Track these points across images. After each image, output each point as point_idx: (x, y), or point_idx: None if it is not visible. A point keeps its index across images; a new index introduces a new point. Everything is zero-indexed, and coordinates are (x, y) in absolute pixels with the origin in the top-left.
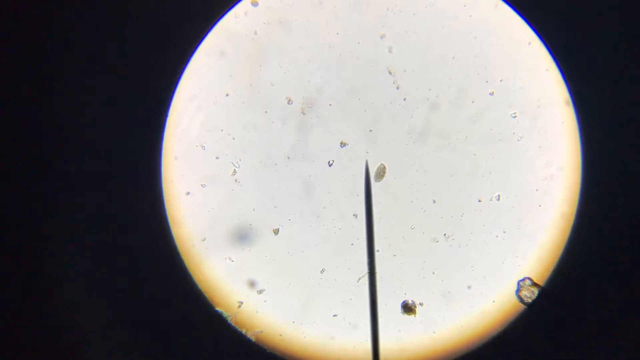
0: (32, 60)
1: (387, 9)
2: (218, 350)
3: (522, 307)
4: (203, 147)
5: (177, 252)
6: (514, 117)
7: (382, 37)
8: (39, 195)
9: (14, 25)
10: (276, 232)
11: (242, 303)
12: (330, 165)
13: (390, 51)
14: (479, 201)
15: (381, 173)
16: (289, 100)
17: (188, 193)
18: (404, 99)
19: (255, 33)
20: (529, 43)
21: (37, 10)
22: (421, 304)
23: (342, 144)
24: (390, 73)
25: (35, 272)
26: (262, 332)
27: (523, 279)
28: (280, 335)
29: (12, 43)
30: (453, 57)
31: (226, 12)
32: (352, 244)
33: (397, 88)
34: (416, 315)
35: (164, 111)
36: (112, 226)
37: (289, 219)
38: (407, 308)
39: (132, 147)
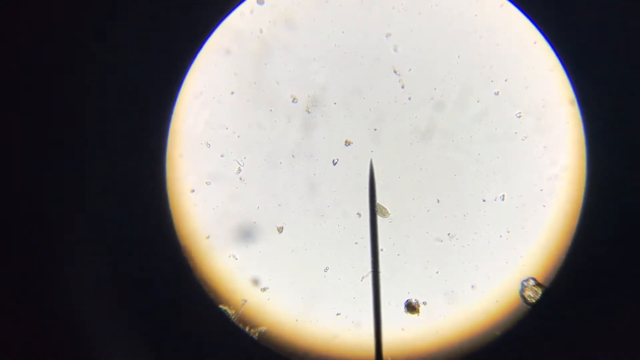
0: (36, 58)
1: (393, 8)
2: (221, 348)
3: (525, 307)
4: (208, 145)
5: (181, 249)
6: (519, 116)
7: (388, 36)
8: (41, 193)
9: (19, 19)
10: (280, 230)
11: (245, 301)
12: (334, 164)
13: (395, 50)
14: (483, 201)
15: (382, 210)
16: (294, 99)
17: (192, 190)
18: (409, 98)
19: (261, 31)
20: (535, 42)
21: (43, 5)
22: (424, 303)
23: (347, 143)
24: (395, 72)
25: (38, 269)
26: (265, 330)
27: (527, 279)
28: (284, 333)
29: (17, 37)
30: (458, 57)
31: (232, 10)
32: (355, 243)
33: (402, 87)
34: (419, 314)
35: (169, 108)
36: (116, 223)
37: (293, 217)
38: (411, 307)
39: (136, 144)
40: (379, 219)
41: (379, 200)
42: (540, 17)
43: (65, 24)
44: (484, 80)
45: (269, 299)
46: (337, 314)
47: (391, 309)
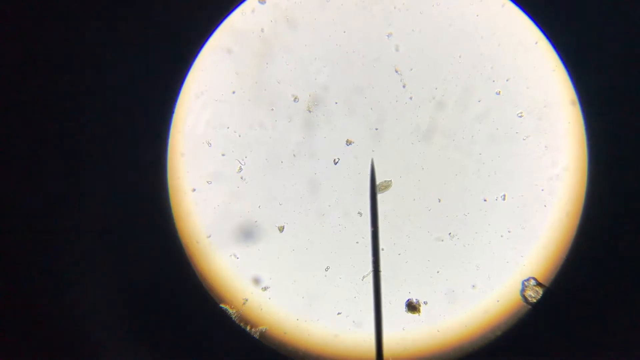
0: (37, 57)
1: (394, 8)
2: (222, 347)
3: (526, 307)
4: (209, 144)
5: (183, 248)
6: (520, 116)
7: (389, 35)
8: (44, 193)
9: (21, 20)
10: (281, 229)
11: (246, 300)
12: (335, 164)
13: (396, 50)
14: (484, 200)
15: (385, 186)
16: (295, 98)
17: (194, 189)
18: (410, 98)
19: (262, 30)
20: (536, 42)
21: (44, 5)
22: (425, 303)
23: (348, 142)
24: (396, 71)
25: (41, 269)
26: (266, 329)
27: (527, 279)
28: (285, 332)
29: (17, 36)
30: (459, 56)
31: (233, 9)
32: (356, 242)
33: (404, 87)
34: (420, 314)
35: (170, 108)
36: (118, 222)
37: (294, 217)
38: (412, 307)
39: (138, 143)
40: (381, 220)
41: (381, 198)
42: (541, 17)
43: (66, 23)
44: (486, 80)
45: (269, 298)
46: (338, 314)
47: (392, 309)
